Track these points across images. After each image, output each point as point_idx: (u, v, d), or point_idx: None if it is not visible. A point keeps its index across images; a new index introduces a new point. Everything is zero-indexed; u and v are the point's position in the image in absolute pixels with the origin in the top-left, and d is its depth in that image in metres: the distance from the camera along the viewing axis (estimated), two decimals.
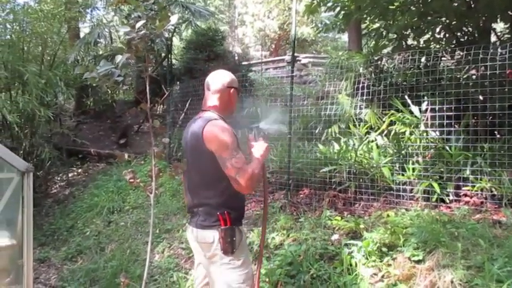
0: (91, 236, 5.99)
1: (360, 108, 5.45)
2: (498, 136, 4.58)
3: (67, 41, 10.19)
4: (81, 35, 11.74)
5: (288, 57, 14.31)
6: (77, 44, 9.47)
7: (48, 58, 9.09)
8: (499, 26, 6.82)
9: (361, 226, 3.90)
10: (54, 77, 8.11)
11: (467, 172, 4.09)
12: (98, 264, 5.07)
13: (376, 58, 6.03)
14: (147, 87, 2.83)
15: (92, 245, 5.68)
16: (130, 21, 2.58)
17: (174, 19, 2.60)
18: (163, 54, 9.72)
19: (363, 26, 7.81)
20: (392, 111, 4.80)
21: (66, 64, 9.13)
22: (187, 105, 8.02)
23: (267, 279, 3.56)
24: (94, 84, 2.67)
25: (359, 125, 5.30)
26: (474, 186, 4.00)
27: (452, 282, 2.94)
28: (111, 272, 4.71)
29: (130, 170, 2.59)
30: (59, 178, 8.80)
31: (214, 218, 2.26)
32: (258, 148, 2.38)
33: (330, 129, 5.51)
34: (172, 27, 8.15)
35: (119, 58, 2.47)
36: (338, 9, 7.34)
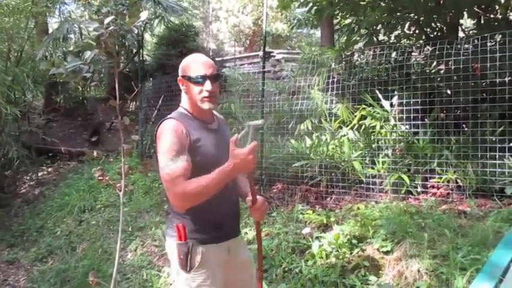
0: (62, 235, 5.87)
1: (332, 103, 5.51)
2: (466, 129, 4.72)
3: (35, 37, 9.91)
4: (51, 30, 11.43)
5: (262, 53, 14.32)
6: (45, 40, 9.21)
7: (15, 54, 8.82)
8: (469, 22, 6.99)
9: (332, 219, 3.95)
10: (21, 73, 7.88)
11: (435, 164, 4.19)
12: (69, 264, 5.00)
13: (347, 53, 6.11)
14: (117, 84, 2.79)
15: (62, 244, 5.57)
16: (100, 17, 2.54)
17: (144, 15, 2.56)
18: (134, 50, 9.57)
19: (335, 21, 7.88)
20: (363, 106, 4.88)
21: (34, 60, 8.87)
22: (160, 101, 7.94)
23: None
24: (61, 81, 2.62)
25: (331, 120, 5.36)
26: (441, 178, 4.11)
27: (419, 271, 3.02)
28: (83, 271, 4.64)
29: (99, 168, 2.55)
30: (28, 177, 8.57)
31: (173, 228, 1.98)
32: (233, 157, 1.78)
33: (302, 124, 5.55)
34: (143, 23, 8.04)
35: (87, 54, 2.42)
36: (310, 4, 7.41)
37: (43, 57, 8.62)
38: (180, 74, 2.01)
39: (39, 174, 8.56)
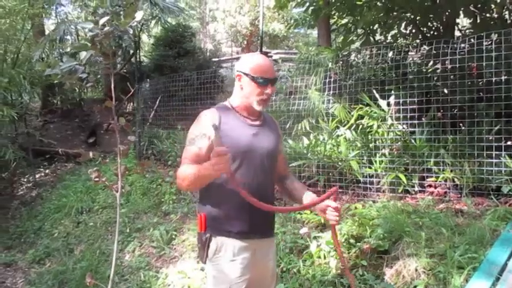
0: (59, 237, 5.86)
1: (329, 103, 5.51)
2: (463, 128, 4.73)
3: (31, 38, 9.88)
4: (47, 32, 11.40)
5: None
6: (41, 41, 9.19)
7: (12, 56, 8.80)
8: (465, 21, 7.01)
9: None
10: (18, 75, 7.86)
11: (432, 163, 4.20)
12: (66, 266, 4.98)
13: (344, 53, 6.11)
14: (112, 85, 2.78)
15: (60, 246, 5.56)
16: (96, 18, 2.53)
17: (139, 15, 2.56)
18: (131, 51, 9.56)
19: (332, 21, 7.89)
20: (360, 106, 4.88)
21: (30, 62, 8.85)
22: (157, 102, 7.93)
23: None
24: (58, 82, 2.61)
25: (328, 120, 5.36)
26: (438, 177, 4.12)
27: (416, 270, 3.02)
28: (81, 273, 4.62)
29: (95, 169, 2.54)
30: (25, 179, 8.54)
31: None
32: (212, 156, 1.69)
33: (299, 124, 5.55)
34: (140, 24, 8.04)
35: (82, 55, 2.41)
36: (307, 4, 7.43)
37: (40, 58, 8.59)
38: (240, 69, 1.99)
39: (37, 176, 8.53)
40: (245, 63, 1.99)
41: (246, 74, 1.96)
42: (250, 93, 1.97)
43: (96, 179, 2.51)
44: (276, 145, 2.12)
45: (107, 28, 2.36)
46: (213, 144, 1.70)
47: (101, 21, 2.27)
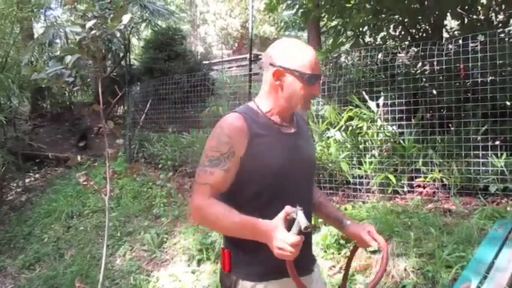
0: (49, 242, 5.80)
1: (319, 105, 5.54)
2: (451, 129, 4.78)
3: (20, 42, 9.81)
4: (36, 35, 11.33)
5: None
6: (30, 45, 9.12)
7: (0, 60, 8.72)
8: (453, 23, 7.09)
9: (320, 220, 3.96)
10: (6, 79, 7.79)
11: (420, 164, 4.24)
12: (57, 271, 4.95)
13: (334, 55, 6.15)
14: (100, 88, 2.78)
15: (50, 251, 5.51)
16: (85, 21, 2.53)
17: (126, 18, 2.56)
18: (121, 54, 9.53)
19: (322, 23, 7.94)
20: (350, 107, 4.91)
21: (19, 66, 8.77)
22: (148, 105, 7.91)
23: None
24: (43, 86, 2.61)
25: (319, 121, 5.39)
26: (427, 177, 4.16)
27: (405, 269, 3.05)
28: (71, 278, 4.59)
29: (83, 173, 2.54)
30: (14, 184, 8.44)
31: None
32: (274, 230, 1.30)
33: None
34: (129, 27, 8.01)
35: (68, 58, 2.41)
36: (297, 7, 7.47)
37: (28, 62, 8.53)
38: (282, 64, 1.49)
39: (26, 180, 8.45)
40: (288, 55, 1.49)
41: (292, 71, 1.47)
42: (295, 95, 1.49)
43: (85, 183, 2.51)
44: (315, 154, 1.75)
45: (93, 31, 2.36)
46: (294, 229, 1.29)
47: (88, 25, 2.27)
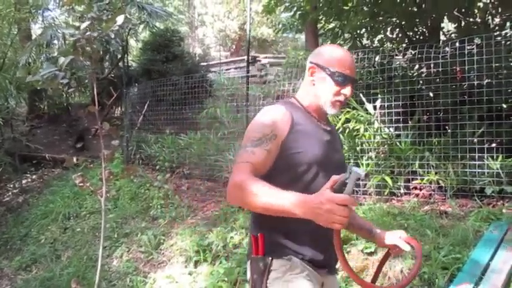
0: (46, 243, 5.79)
1: None
2: (447, 131, 4.80)
3: (18, 43, 9.80)
4: (34, 36, 11.32)
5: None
6: (28, 46, 9.11)
7: None
8: (450, 25, 7.12)
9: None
10: (4, 80, 7.79)
11: (417, 166, 4.26)
12: (53, 272, 4.94)
13: None
14: (95, 90, 2.78)
15: (47, 253, 5.50)
16: (82, 23, 2.53)
17: (120, 19, 2.56)
18: (119, 56, 9.53)
19: (319, 26, 7.97)
20: (347, 109, 4.92)
21: (17, 67, 8.77)
22: (145, 107, 7.91)
23: (226, 279, 3.58)
24: (39, 88, 2.62)
25: None
26: (423, 179, 4.17)
27: (401, 271, 3.06)
28: (68, 279, 4.58)
29: (80, 174, 2.54)
30: (11, 185, 8.43)
31: (251, 242, 1.56)
32: (320, 196, 1.22)
33: None
34: (127, 28, 8.02)
35: (61, 60, 2.41)
36: (295, 9, 7.49)
37: (26, 63, 8.52)
38: (315, 61, 1.61)
39: (23, 181, 8.43)
40: (322, 54, 1.62)
41: (323, 68, 1.57)
42: (324, 92, 1.58)
43: (81, 184, 2.51)
44: (344, 161, 1.77)
45: (88, 33, 2.37)
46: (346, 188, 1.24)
47: (82, 26, 2.27)
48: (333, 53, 1.61)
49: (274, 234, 1.50)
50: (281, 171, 1.48)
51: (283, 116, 1.50)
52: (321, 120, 1.65)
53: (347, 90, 1.57)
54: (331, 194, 1.20)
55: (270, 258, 1.48)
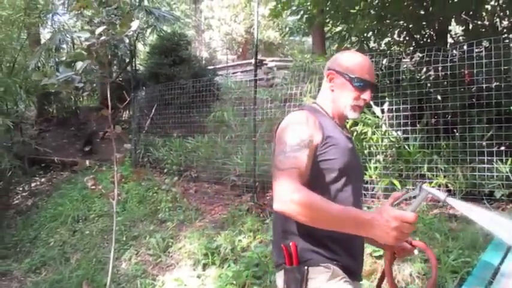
0: (55, 246, 5.84)
1: None
2: (456, 134, 4.79)
3: (27, 47, 9.92)
4: (43, 41, 11.45)
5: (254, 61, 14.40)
6: (37, 50, 9.23)
7: (8, 65, 8.83)
8: (458, 28, 7.10)
9: None
10: (14, 84, 7.88)
11: (425, 169, 4.25)
12: (62, 274, 4.98)
13: None
14: (108, 93, 2.81)
15: (56, 255, 5.54)
16: (93, 27, 2.57)
17: (135, 25, 2.60)
18: (127, 60, 9.61)
19: (326, 29, 7.98)
20: None
21: (26, 71, 8.88)
22: (153, 110, 7.96)
23: (234, 282, 3.59)
24: (53, 91, 2.65)
25: None
26: (432, 182, 4.16)
27: (411, 274, 3.06)
28: (77, 281, 4.61)
29: (91, 177, 2.57)
30: (21, 188, 8.52)
31: (280, 251, 1.49)
32: (383, 213, 1.22)
33: None
34: (135, 32, 8.09)
35: (79, 64, 2.45)
36: (301, 13, 7.51)
37: (35, 67, 8.62)
38: (334, 67, 1.62)
39: (32, 184, 8.52)
40: (341, 60, 1.63)
41: (341, 74, 1.58)
42: (343, 97, 1.59)
43: (93, 187, 2.54)
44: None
45: (103, 37, 2.40)
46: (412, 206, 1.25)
47: (97, 31, 2.31)
48: (351, 59, 1.62)
49: (308, 241, 1.47)
50: (312, 177, 1.44)
51: (315, 122, 1.49)
52: (342, 127, 1.65)
53: (366, 95, 1.58)
54: (398, 211, 1.19)
55: (306, 267, 1.44)
